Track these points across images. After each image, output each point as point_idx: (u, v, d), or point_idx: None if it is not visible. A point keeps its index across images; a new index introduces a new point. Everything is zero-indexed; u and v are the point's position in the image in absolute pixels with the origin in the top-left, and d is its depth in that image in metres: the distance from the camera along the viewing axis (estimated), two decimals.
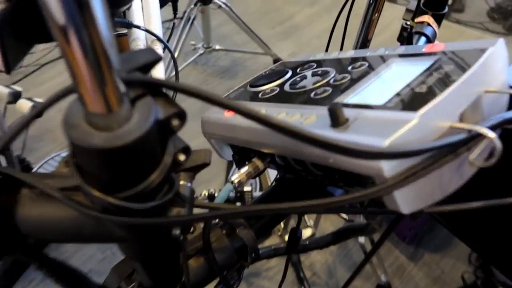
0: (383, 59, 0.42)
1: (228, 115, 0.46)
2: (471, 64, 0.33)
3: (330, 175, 0.37)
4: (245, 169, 0.43)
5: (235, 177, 0.42)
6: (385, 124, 0.30)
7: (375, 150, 0.26)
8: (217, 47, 1.87)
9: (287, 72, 0.51)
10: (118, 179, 0.26)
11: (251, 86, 0.51)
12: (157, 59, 0.29)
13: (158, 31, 0.53)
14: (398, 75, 0.38)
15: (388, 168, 0.28)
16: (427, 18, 0.77)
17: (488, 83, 0.34)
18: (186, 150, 0.30)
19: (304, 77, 0.47)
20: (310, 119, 0.36)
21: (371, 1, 0.66)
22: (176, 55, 1.77)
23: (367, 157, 0.27)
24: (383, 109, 0.32)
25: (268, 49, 1.89)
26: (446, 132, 0.31)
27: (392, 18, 1.59)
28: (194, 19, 1.77)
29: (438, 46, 0.39)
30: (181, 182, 0.33)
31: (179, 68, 1.81)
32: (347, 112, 0.33)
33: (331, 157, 0.32)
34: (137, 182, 0.27)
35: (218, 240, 0.46)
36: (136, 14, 0.54)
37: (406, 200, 0.30)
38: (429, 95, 0.31)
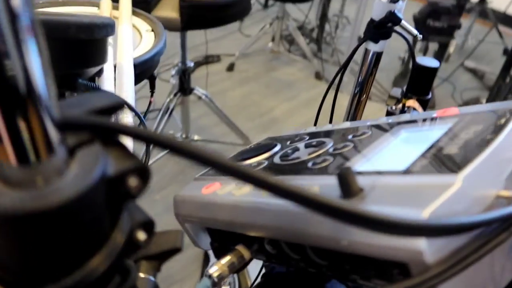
0: (389, 126, 0.37)
1: (207, 191, 0.38)
2: (505, 122, 0.27)
3: (338, 265, 0.29)
4: (226, 259, 0.34)
5: (214, 269, 0.32)
6: (415, 192, 0.23)
7: (420, 224, 0.19)
8: (196, 137, 1.85)
9: (275, 145, 0.45)
10: (39, 264, 0.17)
11: (240, 160, 0.44)
12: (119, 105, 0.22)
13: (131, 100, 0.47)
14: (413, 140, 0.32)
15: (431, 250, 0.20)
16: (412, 102, 0.75)
17: None
18: (149, 226, 0.22)
19: (297, 149, 0.40)
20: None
21: (359, 81, 0.64)
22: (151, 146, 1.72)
23: (408, 233, 0.19)
24: (408, 174, 0.25)
25: (248, 141, 1.87)
26: (493, 203, 0.24)
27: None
28: (173, 109, 1.76)
29: (451, 110, 0.35)
30: (141, 275, 0.24)
31: (156, 158, 1.75)
32: (360, 181, 0.26)
33: (345, 238, 0.24)
34: (70, 270, 0.18)
35: None
36: (107, 83, 0.49)
37: None
38: (466, 156, 0.24)
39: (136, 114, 0.44)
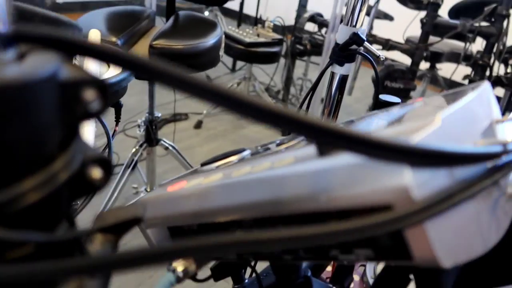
0: (362, 118, 0.37)
1: (173, 189, 0.35)
2: (466, 94, 0.28)
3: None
4: None
5: (179, 262, 0.29)
6: (398, 136, 0.22)
7: (410, 147, 0.18)
8: None
9: (245, 150, 0.43)
10: None
11: (203, 165, 0.42)
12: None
13: (91, 128, 0.45)
14: (387, 116, 0.32)
15: (416, 186, 0.19)
16: None
17: (492, 113, 0.28)
18: (105, 163, 0.19)
19: (268, 148, 0.39)
20: (286, 161, 0.27)
21: (326, 104, 0.65)
22: (114, 197, 1.64)
23: (398, 157, 0.18)
24: (387, 128, 0.24)
25: None
26: None
27: None
28: (137, 162, 1.72)
29: (416, 99, 0.35)
30: (95, 247, 0.21)
31: None
32: None
33: (324, 194, 0.22)
34: None
35: None
36: None
37: (443, 245, 0.20)
38: (439, 109, 0.24)
39: (102, 123, 0.42)
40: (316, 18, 2.73)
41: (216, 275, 0.45)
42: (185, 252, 0.17)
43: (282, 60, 2.87)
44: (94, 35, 0.75)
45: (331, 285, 0.41)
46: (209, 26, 1.41)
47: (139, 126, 1.61)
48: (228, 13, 4.22)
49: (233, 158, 0.41)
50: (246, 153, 0.42)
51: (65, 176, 0.16)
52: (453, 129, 0.22)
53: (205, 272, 0.41)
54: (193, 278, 0.37)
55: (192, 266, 0.29)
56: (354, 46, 0.55)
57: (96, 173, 0.18)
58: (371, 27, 2.51)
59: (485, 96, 0.28)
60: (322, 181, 0.22)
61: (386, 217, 0.18)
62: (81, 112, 0.17)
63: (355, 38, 0.52)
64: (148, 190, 1.76)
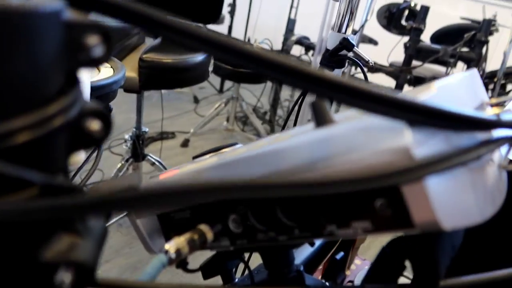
0: None
1: (165, 176, 0.35)
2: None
3: (311, 220, 0.26)
4: (186, 235, 0.30)
5: (171, 244, 0.28)
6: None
7: (419, 104, 0.18)
8: None
9: (237, 144, 0.43)
10: None
11: (194, 158, 0.42)
12: None
13: None
14: None
15: (417, 146, 0.19)
16: None
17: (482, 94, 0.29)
18: (103, 116, 0.19)
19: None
20: (284, 137, 0.27)
21: None
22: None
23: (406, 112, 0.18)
24: None
25: None
26: None
27: None
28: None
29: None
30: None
31: None
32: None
33: (322, 162, 0.22)
34: None
35: None
36: None
37: (442, 206, 0.20)
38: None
39: None
40: (303, 41, 2.79)
41: (206, 273, 0.44)
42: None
43: (269, 83, 2.91)
44: None
45: (323, 281, 0.40)
46: None
47: (125, 141, 1.59)
48: None
49: (226, 150, 0.41)
50: (239, 146, 0.42)
51: (60, 122, 0.16)
52: (448, 98, 0.23)
53: (197, 262, 0.40)
54: (184, 268, 0.36)
55: (185, 248, 0.28)
56: (344, 52, 0.56)
57: (94, 125, 0.18)
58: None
59: (475, 79, 0.29)
60: (320, 149, 0.22)
61: (387, 171, 0.18)
62: (83, 57, 0.17)
63: (345, 43, 0.54)
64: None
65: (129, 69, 1.23)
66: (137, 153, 1.56)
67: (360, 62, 0.56)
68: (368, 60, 0.56)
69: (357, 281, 1.23)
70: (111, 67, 0.75)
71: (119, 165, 1.63)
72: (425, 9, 2.07)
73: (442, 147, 0.21)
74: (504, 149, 0.25)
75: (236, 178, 0.16)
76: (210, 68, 1.41)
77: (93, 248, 0.19)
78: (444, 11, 3.01)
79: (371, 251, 1.67)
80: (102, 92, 0.62)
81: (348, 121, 0.22)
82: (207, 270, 0.43)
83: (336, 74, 0.63)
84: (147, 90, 1.33)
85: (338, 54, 0.56)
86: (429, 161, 0.19)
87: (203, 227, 0.30)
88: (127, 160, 1.60)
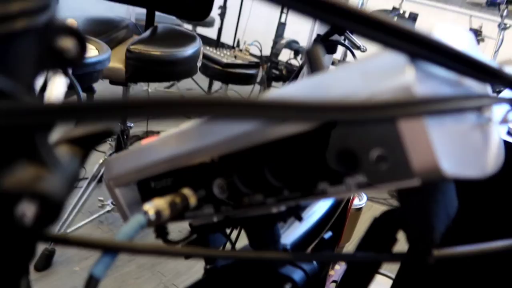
0: None
1: (147, 141, 0.33)
2: None
3: (302, 178, 0.25)
4: (168, 197, 0.28)
5: (151, 205, 0.26)
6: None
7: (422, 35, 0.17)
8: None
9: None
10: None
11: None
12: None
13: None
14: None
15: (417, 81, 0.18)
16: None
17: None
18: (77, 35, 0.17)
19: None
20: (277, 91, 0.25)
21: None
22: (77, 209, 1.56)
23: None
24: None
25: None
26: None
27: None
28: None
29: None
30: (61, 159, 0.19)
31: (80, 224, 1.57)
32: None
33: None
34: None
35: None
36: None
37: (443, 150, 0.19)
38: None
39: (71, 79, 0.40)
40: (292, 45, 2.80)
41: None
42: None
43: (257, 86, 2.91)
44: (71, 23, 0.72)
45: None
46: (188, 37, 1.41)
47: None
48: (206, 41, 4.27)
49: None
50: None
51: (21, 25, 0.14)
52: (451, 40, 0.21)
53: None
54: (164, 238, 0.34)
55: (166, 211, 0.26)
56: (335, 37, 0.55)
57: (67, 43, 0.16)
58: (345, 55, 2.60)
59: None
60: (316, 94, 0.21)
61: (387, 101, 0.16)
62: None
63: (337, 27, 0.53)
64: (114, 204, 1.68)
65: (116, 61, 1.20)
66: (120, 148, 1.52)
67: (352, 47, 0.55)
68: (360, 45, 0.55)
69: None
70: (96, 49, 0.73)
71: (101, 160, 1.59)
72: (414, 16, 2.10)
73: (445, 91, 0.20)
74: (503, 109, 0.24)
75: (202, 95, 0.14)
76: (199, 64, 1.39)
77: (61, 183, 0.17)
78: (432, 21, 3.07)
79: None
80: (85, 71, 0.60)
81: (344, 67, 0.21)
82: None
83: (327, 59, 0.62)
84: (134, 83, 1.30)
85: (330, 39, 0.55)
86: (431, 99, 0.18)
87: (186, 191, 0.29)
88: (110, 155, 1.56)
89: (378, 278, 1.17)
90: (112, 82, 1.26)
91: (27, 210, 0.16)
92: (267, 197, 0.27)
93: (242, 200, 0.28)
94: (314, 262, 0.38)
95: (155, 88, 2.72)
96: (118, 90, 1.50)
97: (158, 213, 0.26)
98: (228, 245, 0.49)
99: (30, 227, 0.16)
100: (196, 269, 1.57)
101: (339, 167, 0.23)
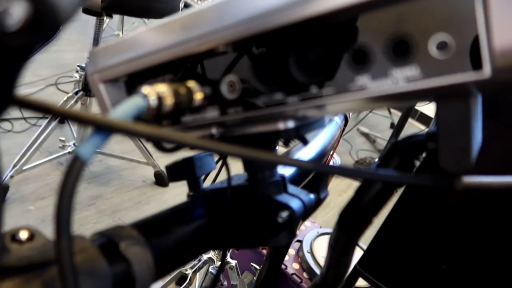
0: None
1: (140, 30, 0.28)
2: None
3: (332, 67, 0.21)
4: (171, 85, 0.23)
5: (151, 88, 0.22)
6: None
7: None
8: None
9: None
10: None
11: None
12: None
13: None
14: None
15: None
16: None
17: None
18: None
19: None
20: None
21: None
22: (34, 147, 1.47)
23: None
24: None
25: (152, 160, 1.72)
26: None
27: None
28: None
29: None
30: None
31: (37, 163, 1.48)
32: None
33: None
34: None
35: (84, 258, 0.23)
36: None
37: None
38: None
39: None
40: None
41: (171, 174, 0.38)
42: None
43: None
44: None
45: (306, 191, 0.36)
46: None
47: (77, 71, 1.45)
48: None
49: None
50: None
51: None
52: None
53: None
54: (159, 146, 0.30)
55: (169, 98, 0.22)
56: None
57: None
58: None
59: None
60: None
61: None
62: None
63: None
64: (77, 145, 1.60)
65: None
66: (88, 86, 1.42)
67: None
68: None
69: (306, 242, 1.22)
70: None
71: (65, 97, 1.49)
72: None
73: None
74: None
75: None
76: (181, 4, 1.30)
77: None
78: None
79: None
80: None
81: None
82: (173, 171, 0.38)
83: None
84: (109, 16, 1.20)
85: None
86: None
87: (192, 84, 0.24)
88: (76, 93, 1.47)
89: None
90: (86, 10, 1.16)
91: (14, 7, 0.11)
92: (289, 95, 0.23)
93: (257, 100, 0.24)
94: (311, 194, 0.35)
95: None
96: (88, 37, 1.38)
97: (160, 98, 0.22)
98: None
99: (14, 31, 0.11)
100: None
101: (387, 56, 0.19)
